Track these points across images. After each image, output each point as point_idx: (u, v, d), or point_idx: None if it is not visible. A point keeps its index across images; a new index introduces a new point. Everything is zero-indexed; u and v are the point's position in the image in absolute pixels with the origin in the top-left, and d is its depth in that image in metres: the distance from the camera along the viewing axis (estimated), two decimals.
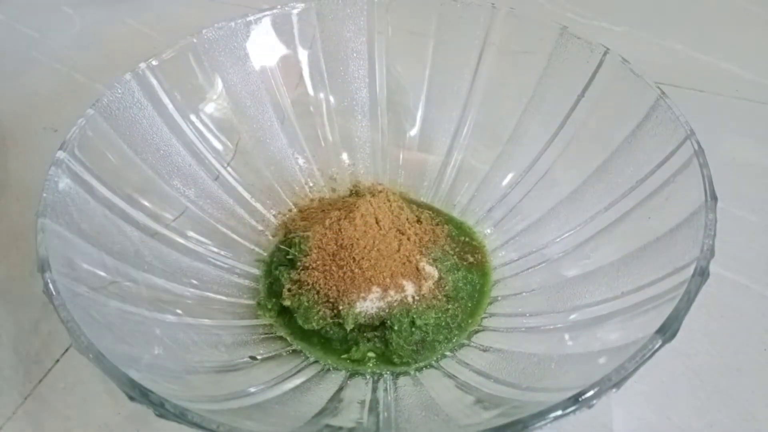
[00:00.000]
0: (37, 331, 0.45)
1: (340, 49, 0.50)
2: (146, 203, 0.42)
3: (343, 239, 0.41)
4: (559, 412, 0.27)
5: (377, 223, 0.42)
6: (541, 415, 0.27)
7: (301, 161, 0.51)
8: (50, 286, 0.30)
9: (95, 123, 0.40)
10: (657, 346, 0.28)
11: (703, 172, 0.35)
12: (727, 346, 0.43)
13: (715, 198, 0.34)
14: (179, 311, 0.39)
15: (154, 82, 0.44)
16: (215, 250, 0.44)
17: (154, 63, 0.44)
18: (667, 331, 0.28)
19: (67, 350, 0.44)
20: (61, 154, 0.37)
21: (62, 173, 0.37)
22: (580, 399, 0.27)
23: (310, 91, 0.51)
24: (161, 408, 0.26)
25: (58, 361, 0.44)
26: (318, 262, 0.41)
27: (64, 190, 0.36)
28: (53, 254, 0.32)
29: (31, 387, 0.43)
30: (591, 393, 0.27)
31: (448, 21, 0.49)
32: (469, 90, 0.49)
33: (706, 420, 0.39)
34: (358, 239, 0.41)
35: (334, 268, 0.41)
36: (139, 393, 0.27)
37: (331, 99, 0.51)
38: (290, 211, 0.49)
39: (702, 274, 0.30)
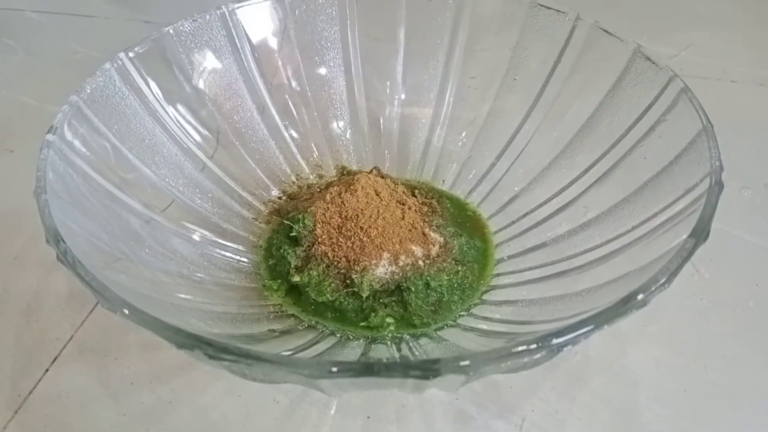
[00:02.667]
0: (20, 343, 0.42)
1: (315, 39, 0.51)
2: (136, 192, 0.40)
3: (347, 211, 0.41)
4: (614, 314, 0.27)
5: (377, 195, 0.42)
6: (597, 319, 0.27)
7: (284, 150, 0.50)
8: (66, 249, 0.29)
9: (79, 110, 0.38)
10: (692, 246, 0.29)
11: (694, 102, 0.37)
12: (735, 284, 0.44)
13: (711, 124, 0.35)
14: (182, 295, 0.37)
15: (134, 72, 0.43)
16: (210, 237, 0.43)
17: (131, 54, 0.43)
18: (700, 234, 0.29)
19: (56, 359, 0.41)
20: (50, 137, 0.35)
21: (54, 154, 0.35)
22: (633, 299, 0.27)
23: (287, 82, 0.51)
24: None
25: (47, 370, 0.41)
26: (324, 236, 0.40)
27: (58, 171, 0.35)
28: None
29: (21, 399, 0.39)
30: (642, 295, 0.27)
31: (417, 4, 0.50)
32: (445, 70, 0.51)
33: (718, 352, 0.41)
34: (362, 210, 0.41)
35: (341, 239, 0.40)
36: (189, 337, 0.25)
37: (308, 88, 0.51)
38: (280, 198, 0.48)
39: (719, 184, 0.32)
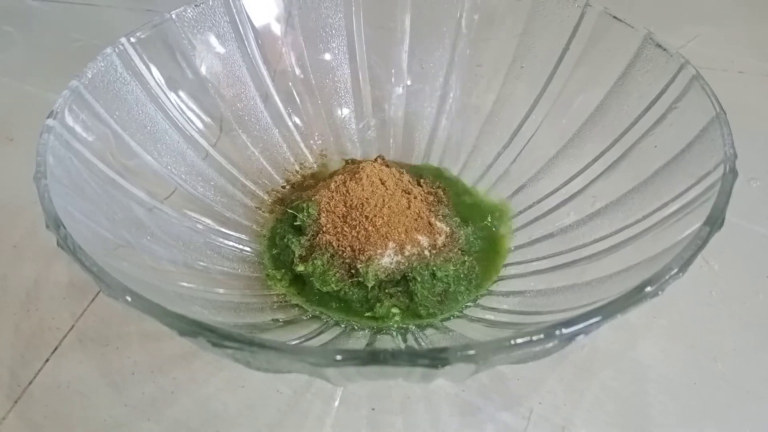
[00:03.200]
0: (20, 332, 0.42)
1: (319, 26, 0.50)
2: (137, 180, 0.40)
3: (352, 200, 0.40)
4: (626, 303, 0.26)
5: (383, 184, 0.41)
6: (610, 308, 0.26)
7: (287, 138, 0.50)
8: (66, 235, 0.28)
9: (80, 95, 0.38)
10: (706, 234, 0.28)
11: (706, 89, 0.36)
12: (744, 276, 0.44)
13: (724, 111, 0.35)
14: (185, 284, 0.37)
15: (136, 57, 0.42)
16: (213, 226, 0.42)
17: (132, 39, 0.42)
18: (714, 222, 0.29)
19: (56, 348, 0.41)
20: (51, 122, 0.35)
21: (54, 139, 0.34)
22: (645, 288, 0.26)
23: (291, 69, 0.50)
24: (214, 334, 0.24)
25: (47, 360, 0.40)
26: (329, 226, 0.40)
27: (58, 156, 0.34)
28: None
29: (21, 390, 0.39)
30: (656, 284, 0.27)
31: None
32: (451, 58, 0.50)
33: (728, 344, 0.40)
34: (367, 198, 0.40)
35: (346, 228, 0.40)
36: (192, 324, 0.24)
37: (312, 75, 0.51)
38: (283, 188, 0.48)
39: (733, 172, 0.31)
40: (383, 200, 0.40)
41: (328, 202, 0.41)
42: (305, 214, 0.41)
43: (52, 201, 0.30)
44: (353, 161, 0.48)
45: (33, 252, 0.46)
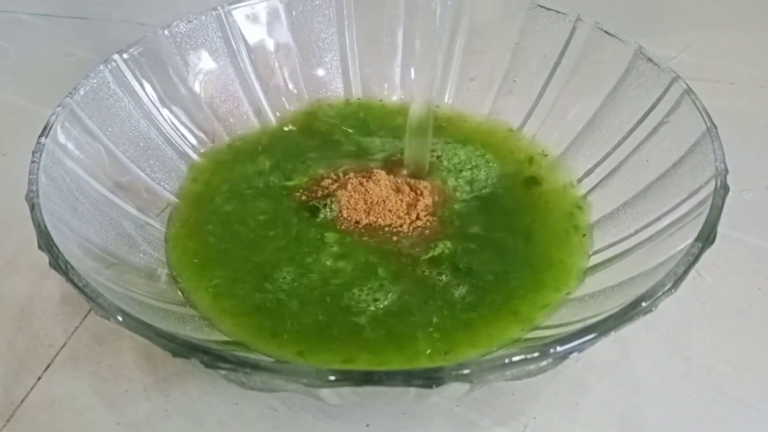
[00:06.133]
0: (12, 349, 0.41)
1: (312, 41, 0.50)
2: (130, 196, 0.40)
3: (372, 197, 0.41)
4: (619, 320, 0.26)
5: (398, 190, 0.42)
6: (603, 326, 0.26)
7: None
8: (58, 255, 0.28)
9: (72, 112, 0.38)
10: (698, 250, 0.28)
11: (697, 104, 0.36)
12: (737, 287, 0.44)
13: (715, 126, 0.35)
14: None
15: (128, 74, 0.42)
16: None
17: (125, 56, 0.42)
18: (706, 238, 0.29)
19: (49, 366, 0.40)
20: (43, 140, 0.35)
21: (46, 157, 0.34)
22: (638, 305, 0.27)
23: (284, 84, 0.50)
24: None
25: (40, 378, 0.40)
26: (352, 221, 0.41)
27: (50, 175, 0.34)
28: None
29: (13, 408, 0.38)
30: (648, 301, 0.27)
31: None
32: (444, 72, 0.50)
33: (722, 356, 0.40)
34: (387, 196, 0.41)
35: None
36: (185, 345, 0.24)
37: (305, 90, 0.51)
38: None
39: (724, 187, 0.31)
40: (402, 198, 0.42)
41: (348, 200, 0.41)
42: (327, 210, 0.41)
43: (45, 221, 0.30)
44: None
45: (26, 268, 0.46)
